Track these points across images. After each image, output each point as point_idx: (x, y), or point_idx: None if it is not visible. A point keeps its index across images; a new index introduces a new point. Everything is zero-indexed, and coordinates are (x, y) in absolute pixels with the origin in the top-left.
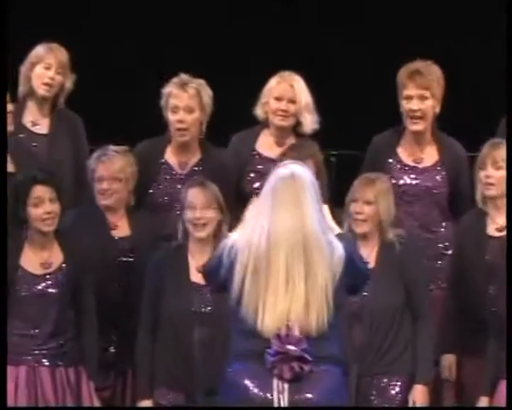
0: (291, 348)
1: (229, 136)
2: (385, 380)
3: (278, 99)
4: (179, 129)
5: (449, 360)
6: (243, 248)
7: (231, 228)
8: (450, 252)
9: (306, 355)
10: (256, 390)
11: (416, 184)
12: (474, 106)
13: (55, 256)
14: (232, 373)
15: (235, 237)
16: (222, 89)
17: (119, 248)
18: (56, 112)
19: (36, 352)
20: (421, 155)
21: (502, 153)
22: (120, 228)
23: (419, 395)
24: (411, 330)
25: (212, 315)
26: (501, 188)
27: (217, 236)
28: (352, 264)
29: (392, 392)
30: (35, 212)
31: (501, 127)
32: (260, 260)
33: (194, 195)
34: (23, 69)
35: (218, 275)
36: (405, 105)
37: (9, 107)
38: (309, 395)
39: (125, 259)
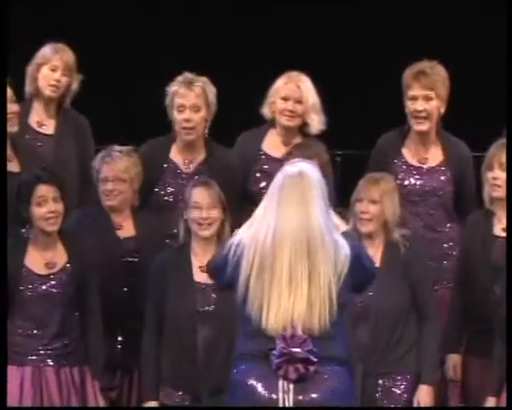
0: (296, 350)
1: (235, 136)
2: (390, 380)
3: (285, 99)
4: (186, 128)
5: (454, 359)
6: (249, 245)
7: (233, 228)
8: (455, 252)
9: (311, 356)
10: (262, 390)
11: (421, 184)
12: (478, 106)
13: (60, 256)
14: (238, 373)
15: (242, 235)
16: (224, 88)
17: (124, 248)
18: (62, 113)
19: (41, 352)
20: (425, 156)
21: None
22: (125, 228)
23: (424, 395)
24: (417, 330)
25: (216, 314)
26: None
27: (220, 235)
28: (359, 263)
29: (397, 392)
30: (38, 211)
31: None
32: (266, 257)
33: (200, 194)
34: (30, 69)
35: (225, 273)
36: (410, 105)
37: (15, 107)
38: (314, 396)
39: (130, 259)
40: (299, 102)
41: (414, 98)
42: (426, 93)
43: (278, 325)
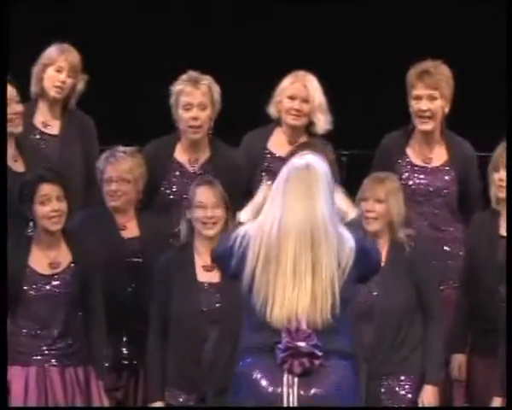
0: (301, 344)
1: (241, 135)
2: (394, 380)
3: (291, 98)
4: (193, 126)
5: (459, 359)
6: (255, 237)
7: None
8: (460, 251)
9: (316, 351)
10: (266, 384)
11: (426, 184)
12: (483, 105)
13: (63, 256)
14: (243, 366)
15: (248, 227)
16: (229, 88)
17: (128, 248)
18: (68, 113)
19: (45, 352)
20: (430, 155)
21: None
22: (130, 229)
23: (429, 395)
24: (422, 330)
25: (221, 314)
26: None
27: None
28: (365, 254)
29: (402, 392)
30: (42, 210)
31: None
32: (271, 248)
33: (204, 194)
34: (35, 70)
35: (230, 264)
36: (414, 105)
37: (19, 107)
38: (318, 390)
39: (135, 259)
40: (305, 101)
41: (418, 98)
42: (430, 93)
43: (283, 317)
